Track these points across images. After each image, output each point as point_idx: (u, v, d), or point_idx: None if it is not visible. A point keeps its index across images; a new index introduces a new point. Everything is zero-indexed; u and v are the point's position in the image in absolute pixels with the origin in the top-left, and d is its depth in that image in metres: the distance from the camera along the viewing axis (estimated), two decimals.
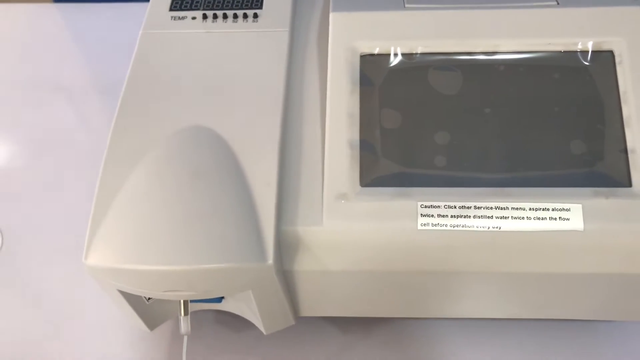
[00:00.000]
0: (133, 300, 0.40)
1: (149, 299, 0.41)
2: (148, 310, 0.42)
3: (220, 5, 0.46)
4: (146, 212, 0.36)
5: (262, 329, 0.42)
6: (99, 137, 0.62)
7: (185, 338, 0.39)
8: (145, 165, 0.38)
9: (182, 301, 0.38)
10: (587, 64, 0.40)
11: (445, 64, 0.40)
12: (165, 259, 0.34)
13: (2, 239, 0.55)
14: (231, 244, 0.35)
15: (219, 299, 0.42)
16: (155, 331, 0.47)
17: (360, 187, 0.37)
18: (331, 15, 0.41)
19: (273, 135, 0.39)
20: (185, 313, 0.38)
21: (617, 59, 0.39)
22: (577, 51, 0.40)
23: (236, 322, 0.48)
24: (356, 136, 0.38)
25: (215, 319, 0.49)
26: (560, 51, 0.40)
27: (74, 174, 0.59)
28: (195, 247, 0.35)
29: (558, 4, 0.41)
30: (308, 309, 0.42)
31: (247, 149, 0.38)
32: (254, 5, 0.46)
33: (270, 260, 0.35)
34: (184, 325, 0.38)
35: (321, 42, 0.45)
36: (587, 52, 0.40)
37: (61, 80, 0.68)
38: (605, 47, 0.40)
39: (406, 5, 0.42)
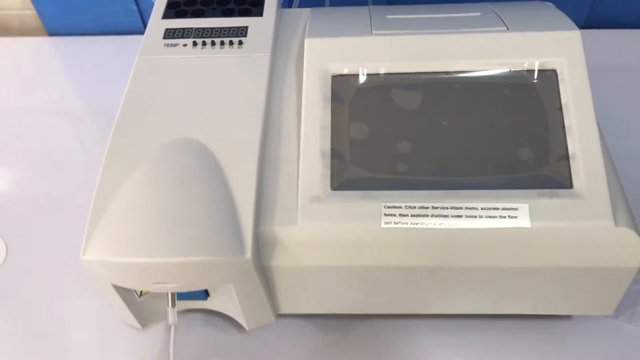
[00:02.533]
0: (126, 297, 0.43)
1: (141, 295, 0.45)
2: (140, 307, 0.45)
3: (209, 34, 0.51)
4: (138, 213, 0.40)
5: (244, 324, 0.46)
6: (94, 157, 0.67)
7: (173, 328, 0.43)
8: (138, 172, 0.42)
9: (169, 293, 0.42)
10: (533, 81, 0.44)
11: (407, 82, 0.45)
12: (153, 251, 0.39)
13: (7, 250, 0.59)
14: (213, 239, 0.39)
15: (205, 296, 0.45)
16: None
17: (330, 190, 0.42)
18: (306, 41, 0.47)
19: (253, 145, 0.43)
20: (173, 305, 0.42)
21: (559, 77, 0.44)
22: (524, 70, 0.45)
23: (223, 324, 0.52)
24: (327, 146, 0.43)
25: (203, 321, 0.52)
26: (510, 70, 0.45)
27: (72, 189, 0.64)
28: (180, 242, 0.39)
29: (508, 28, 0.46)
30: (287, 306, 0.46)
31: (230, 157, 0.43)
32: (239, 34, 0.51)
33: (249, 254, 0.39)
34: (172, 316, 0.42)
35: (299, 65, 0.50)
36: (534, 70, 0.45)
37: (57, 107, 0.73)
38: (549, 67, 0.45)
39: (373, 32, 0.47)
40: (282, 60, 0.50)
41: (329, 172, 0.42)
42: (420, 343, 0.50)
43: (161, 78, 0.48)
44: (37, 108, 0.73)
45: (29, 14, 0.84)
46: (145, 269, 0.39)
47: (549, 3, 0.53)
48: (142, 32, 0.82)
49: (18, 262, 0.58)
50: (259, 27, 0.52)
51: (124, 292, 0.43)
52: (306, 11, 0.56)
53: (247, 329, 0.46)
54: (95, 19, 0.80)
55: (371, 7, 0.53)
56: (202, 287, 0.42)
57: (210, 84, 0.48)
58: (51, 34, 0.84)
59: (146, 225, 0.39)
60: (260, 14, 0.53)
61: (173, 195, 0.41)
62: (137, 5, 0.79)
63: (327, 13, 0.53)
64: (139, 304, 0.45)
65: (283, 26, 0.54)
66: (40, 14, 0.82)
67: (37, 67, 0.79)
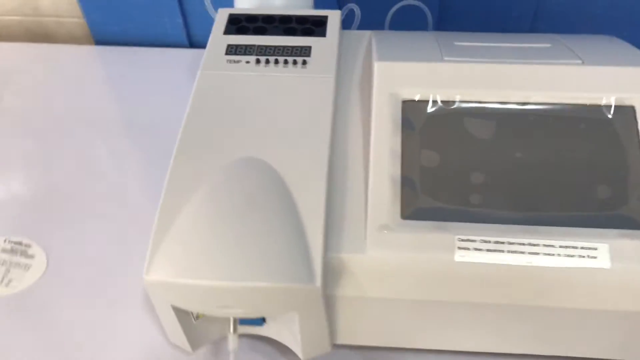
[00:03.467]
0: (182, 319, 0.42)
1: (197, 317, 0.43)
2: (193, 330, 0.44)
3: (272, 52, 0.50)
4: (204, 233, 0.39)
5: (299, 354, 0.44)
6: (128, 168, 0.66)
7: (232, 355, 0.41)
8: (204, 190, 0.41)
9: (232, 318, 0.41)
10: (610, 116, 0.43)
11: (480, 111, 0.44)
12: (220, 274, 0.37)
13: (47, 261, 0.58)
14: (282, 264, 0.38)
15: (262, 322, 0.44)
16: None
17: (401, 219, 0.40)
18: (376, 64, 0.46)
19: (321, 167, 0.42)
20: (234, 330, 0.41)
21: (638, 114, 0.43)
22: (600, 105, 0.43)
23: (270, 350, 0.50)
24: (398, 172, 0.42)
25: (250, 346, 0.51)
26: (586, 104, 0.44)
27: (107, 199, 0.63)
28: (248, 266, 0.37)
29: (583, 62, 0.45)
30: (344, 336, 0.44)
31: (297, 179, 0.42)
32: (303, 53, 0.50)
33: (319, 283, 0.38)
34: (233, 342, 0.41)
35: (363, 88, 0.49)
36: (610, 106, 0.43)
37: (97, 116, 0.72)
38: (627, 103, 0.43)
39: (444, 58, 0.46)
40: (345, 82, 0.50)
41: (399, 200, 0.41)
42: None
43: (224, 94, 0.47)
44: (77, 116, 0.73)
45: (75, 21, 0.84)
46: (211, 292, 0.38)
47: (614, 37, 0.52)
48: (185, 46, 0.83)
49: (58, 275, 0.57)
50: (323, 47, 0.51)
51: (182, 314, 0.41)
52: (366, 33, 0.55)
53: (302, 358, 0.45)
54: (141, 29, 0.80)
55: (436, 32, 0.52)
56: (266, 314, 0.40)
57: (274, 103, 0.47)
58: (97, 41, 0.84)
59: (213, 247, 0.38)
60: (323, 34, 0.52)
61: (241, 216, 0.39)
62: (184, 18, 0.79)
63: (391, 36, 0.52)
64: (194, 326, 0.44)
65: (344, 47, 0.53)
66: (89, 21, 0.81)
67: (81, 75, 0.78)
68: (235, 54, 0.51)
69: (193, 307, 0.40)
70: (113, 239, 0.59)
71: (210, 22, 0.80)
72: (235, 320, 0.41)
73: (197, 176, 0.42)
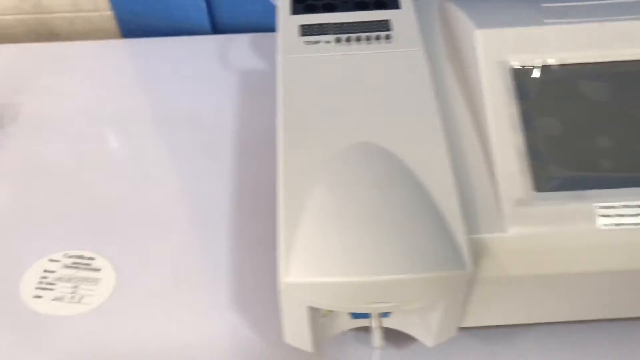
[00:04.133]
0: (313, 319, 0.40)
1: (324, 315, 0.41)
2: (317, 329, 0.42)
3: (351, 30, 0.48)
4: (338, 227, 0.36)
5: (427, 341, 0.43)
6: (179, 163, 0.62)
7: (377, 352, 0.39)
8: (327, 182, 0.38)
9: (375, 314, 0.39)
10: None
11: (592, 73, 0.42)
12: (369, 270, 0.35)
13: (116, 277, 0.54)
14: (430, 253, 0.36)
15: (387, 313, 0.42)
16: None
17: (535, 192, 0.39)
18: (477, 33, 0.43)
19: (440, 146, 0.40)
20: (379, 326, 0.39)
21: None
22: None
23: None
24: (522, 143, 0.40)
25: (352, 337, 0.49)
26: None
27: (165, 200, 0.59)
28: (396, 258, 0.35)
29: None
30: (472, 319, 0.43)
31: (419, 161, 0.39)
32: (382, 28, 0.48)
33: (469, 268, 0.36)
34: (378, 338, 0.38)
35: (452, 57, 0.47)
36: None
37: (135, 115, 0.68)
38: None
39: (544, 21, 0.44)
40: (432, 53, 0.47)
41: (529, 172, 0.39)
42: (601, 345, 0.47)
43: (313, 78, 0.44)
44: (113, 116, 0.68)
45: (83, 16, 0.79)
46: (358, 288, 0.35)
47: None
48: (209, 31, 0.78)
49: (130, 286, 0.53)
50: (401, 20, 0.48)
51: (313, 314, 0.39)
52: (434, 0, 0.53)
53: (429, 345, 0.43)
54: (164, 13, 0.75)
55: None
56: (415, 306, 0.38)
57: (368, 82, 0.44)
58: (123, 31, 0.79)
59: (353, 241, 0.36)
60: (396, 6, 0.50)
61: (374, 206, 0.37)
62: (208, 2, 0.74)
63: (469, 2, 0.50)
64: (318, 325, 0.41)
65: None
66: (118, 11, 0.76)
67: (102, 71, 0.73)
68: (312, 34, 0.48)
69: (334, 305, 0.37)
70: (177, 244, 0.56)
71: (235, 5, 0.76)
72: (378, 316, 0.39)
73: (314, 167, 0.39)
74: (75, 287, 0.53)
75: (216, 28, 0.78)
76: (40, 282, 0.54)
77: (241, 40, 0.76)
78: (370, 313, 0.39)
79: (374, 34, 0.47)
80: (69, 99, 0.70)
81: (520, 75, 0.42)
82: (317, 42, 0.47)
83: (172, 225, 0.57)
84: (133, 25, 0.78)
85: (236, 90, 0.71)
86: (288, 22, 0.49)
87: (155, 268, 0.54)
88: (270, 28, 0.77)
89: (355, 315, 0.43)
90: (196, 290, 0.52)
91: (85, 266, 0.55)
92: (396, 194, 0.37)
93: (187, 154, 0.64)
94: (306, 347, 0.43)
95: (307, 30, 0.48)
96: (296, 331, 0.41)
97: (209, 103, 0.69)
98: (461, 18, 0.46)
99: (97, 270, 0.54)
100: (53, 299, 0.53)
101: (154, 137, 0.66)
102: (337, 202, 0.37)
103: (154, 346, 0.49)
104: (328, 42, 0.47)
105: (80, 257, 0.56)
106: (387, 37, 0.47)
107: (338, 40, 0.47)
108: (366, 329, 0.46)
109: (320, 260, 0.35)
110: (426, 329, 0.41)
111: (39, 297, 0.53)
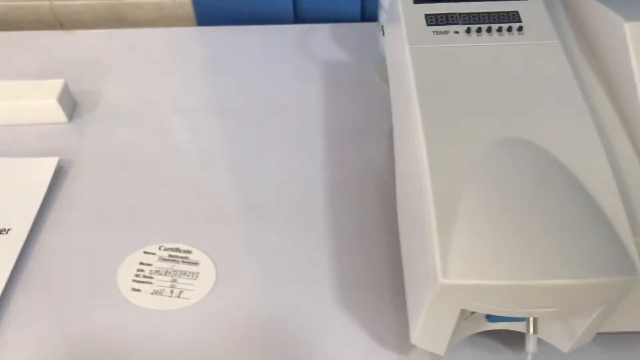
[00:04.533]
0: (458, 321, 0.38)
1: (465, 318, 0.39)
2: (454, 332, 0.40)
3: (479, 20, 0.45)
4: (498, 226, 0.34)
5: (562, 347, 0.41)
6: (265, 155, 0.60)
7: (531, 357, 0.37)
8: (479, 179, 0.36)
9: (532, 319, 0.37)
10: None
11: None
12: (541, 273, 0.33)
13: (216, 272, 0.53)
14: (601, 257, 0.33)
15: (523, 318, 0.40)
16: None
17: None
18: (627, 26, 0.41)
19: (595, 143, 0.38)
20: (535, 331, 0.37)
21: None
22: None
23: (489, 343, 0.46)
24: None
25: (468, 341, 0.47)
26: None
27: (254, 189, 0.57)
28: (569, 261, 0.33)
29: None
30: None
31: (575, 159, 0.37)
32: (512, 19, 0.46)
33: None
34: (533, 344, 0.37)
35: (585, 51, 0.45)
36: None
37: (215, 100, 0.67)
38: None
39: None
40: (564, 47, 0.45)
41: None
42: None
43: (447, 70, 0.42)
44: (198, 103, 0.66)
45: (170, 1, 0.77)
46: (521, 292, 0.33)
47: None
48: (291, 19, 0.76)
49: (231, 280, 0.52)
50: (531, 11, 0.46)
51: (460, 316, 0.37)
52: None
53: (564, 351, 0.41)
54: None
55: None
56: (577, 312, 0.36)
57: (505, 75, 0.42)
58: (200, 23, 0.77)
59: (517, 242, 0.34)
60: None
61: (535, 205, 0.35)
62: None
63: None
64: (456, 328, 0.39)
65: None
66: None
67: (192, 58, 0.72)
68: (438, 24, 0.46)
69: (490, 308, 0.35)
70: (274, 238, 0.54)
71: None
72: (535, 321, 0.37)
73: (463, 164, 0.37)
74: (173, 280, 0.52)
75: (298, 17, 0.77)
76: (137, 275, 0.52)
77: (322, 30, 0.75)
78: (527, 318, 0.37)
79: (505, 25, 0.45)
80: (150, 87, 0.68)
81: None
82: (446, 32, 0.45)
83: (266, 219, 0.56)
84: (210, 11, 0.77)
85: (319, 82, 0.69)
86: (412, 11, 0.47)
87: (254, 263, 0.53)
88: (352, 18, 0.75)
89: (492, 319, 0.41)
90: (298, 287, 0.51)
91: (183, 259, 0.53)
92: (556, 192, 0.35)
93: (276, 145, 0.62)
94: (438, 351, 0.41)
95: (433, 19, 0.46)
96: (433, 333, 0.39)
97: (293, 94, 0.67)
98: (600, 10, 0.44)
99: (195, 263, 0.53)
100: (152, 293, 0.51)
101: (240, 128, 0.64)
102: (493, 201, 0.35)
103: None
104: (457, 32, 0.45)
105: (177, 249, 0.54)
106: (520, 29, 0.45)
107: (468, 31, 0.45)
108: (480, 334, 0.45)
109: (482, 262, 0.33)
110: (566, 334, 0.39)
111: (138, 290, 0.51)
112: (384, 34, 0.61)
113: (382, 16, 0.62)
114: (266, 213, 0.56)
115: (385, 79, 0.54)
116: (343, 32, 0.74)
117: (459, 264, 0.34)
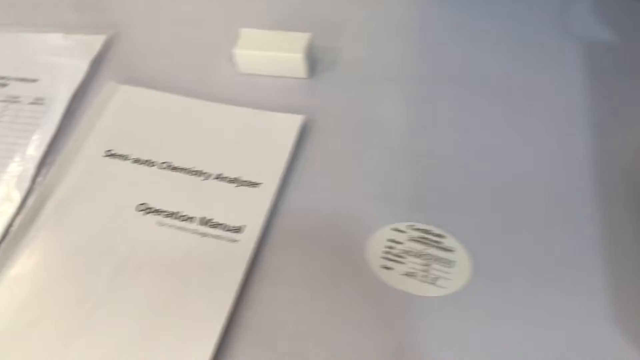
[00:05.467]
0: None
1: None
2: None
3: None
4: None
5: None
6: (515, 140, 0.54)
7: None
8: None
9: None
10: None
11: None
12: None
13: (471, 257, 0.48)
14: None
15: None
16: None
17: None
18: None
19: None
20: None
21: None
22: None
23: None
24: None
25: None
26: None
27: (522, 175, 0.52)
28: None
29: None
30: None
31: None
32: None
33: None
34: None
35: None
36: None
37: (459, 72, 0.61)
38: None
39: None
40: None
41: None
42: None
43: None
44: (440, 72, 0.61)
45: None
46: None
47: None
48: None
49: (486, 280, 0.47)
50: None
51: None
52: None
53: None
54: None
55: None
56: None
57: None
58: None
59: None
60: None
61: None
62: None
63: None
64: None
65: None
66: None
67: (432, 23, 0.67)
68: None
69: None
70: (536, 233, 0.49)
71: None
72: None
73: None
74: (426, 265, 0.48)
75: None
76: (387, 253, 0.49)
77: (583, 4, 0.66)
78: None
79: None
80: (390, 50, 0.64)
81: None
82: None
83: (528, 211, 0.51)
84: None
85: (581, 65, 0.61)
86: None
87: (511, 261, 0.48)
88: None
89: None
90: (561, 296, 0.45)
91: (435, 244, 0.50)
92: None
93: (534, 130, 0.56)
94: None
95: None
96: None
97: (552, 77, 0.60)
98: None
99: (449, 250, 0.49)
100: (403, 274, 0.48)
101: (493, 107, 0.58)
102: None
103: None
104: None
105: (428, 232, 0.50)
106: None
107: None
108: None
109: None
110: None
111: (389, 268, 0.48)
112: None
113: None
114: (526, 208, 0.51)
115: None
116: (606, 9, 0.65)
117: None
